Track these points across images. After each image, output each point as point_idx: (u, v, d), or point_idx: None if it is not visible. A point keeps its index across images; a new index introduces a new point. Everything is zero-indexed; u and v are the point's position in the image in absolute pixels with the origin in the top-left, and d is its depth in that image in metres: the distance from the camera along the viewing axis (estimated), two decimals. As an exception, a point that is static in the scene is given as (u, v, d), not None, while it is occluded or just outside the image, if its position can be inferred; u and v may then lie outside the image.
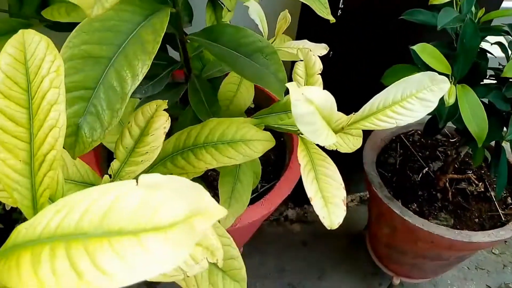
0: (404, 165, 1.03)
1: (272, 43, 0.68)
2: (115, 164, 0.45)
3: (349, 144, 0.60)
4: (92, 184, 0.48)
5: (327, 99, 0.38)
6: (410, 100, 0.46)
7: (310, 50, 0.51)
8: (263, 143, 0.51)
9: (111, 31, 0.44)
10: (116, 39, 0.44)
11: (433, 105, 0.46)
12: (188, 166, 0.49)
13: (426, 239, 0.88)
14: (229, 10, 0.78)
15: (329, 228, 0.44)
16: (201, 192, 0.21)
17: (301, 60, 0.51)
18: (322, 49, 0.67)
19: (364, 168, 0.98)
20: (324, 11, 0.55)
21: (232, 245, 0.45)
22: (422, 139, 1.07)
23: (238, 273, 0.44)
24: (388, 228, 0.98)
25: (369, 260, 1.17)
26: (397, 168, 1.03)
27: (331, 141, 0.42)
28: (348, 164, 1.10)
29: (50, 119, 0.34)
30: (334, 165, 0.47)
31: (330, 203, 0.45)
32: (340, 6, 0.87)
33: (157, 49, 0.43)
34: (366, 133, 1.08)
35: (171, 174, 0.52)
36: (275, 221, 1.30)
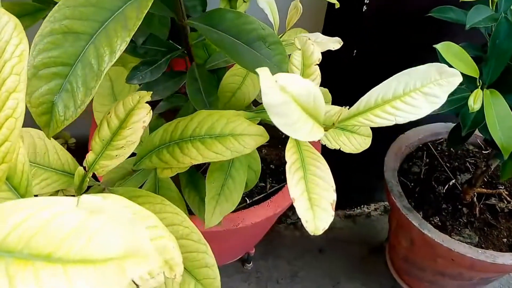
0: (430, 175, 0.96)
1: (282, 35, 0.64)
2: (89, 156, 0.42)
3: (355, 144, 0.56)
4: (72, 174, 0.46)
5: (309, 89, 0.34)
6: (414, 94, 0.41)
7: (309, 39, 0.47)
8: (255, 138, 0.48)
9: (95, 7, 0.42)
10: (99, 15, 0.42)
11: (440, 101, 0.41)
12: (172, 161, 0.46)
13: (445, 256, 0.81)
14: (244, 1, 0.75)
15: (312, 234, 0.40)
16: (141, 232, 0.19)
17: (299, 49, 0.47)
18: (335, 42, 0.62)
19: (385, 175, 0.92)
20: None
21: (208, 252, 0.42)
22: (451, 149, 1.00)
23: (211, 282, 0.41)
24: (406, 241, 0.92)
25: (387, 273, 1.11)
26: (421, 178, 0.96)
27: (317, 136, 0.38)
28: (373, 170, 1.05)
29: (7, 109, 0.32)
30: (327, 165, 0.43)
31: (317, 206, 0.40)
32: (365, 1, 0.82)
33: (138, 26, 0.40)
34: (390, 138, 1.02)
35: (156, 168, 0.50)
36: (293, 225, 1.25)
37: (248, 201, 0.80)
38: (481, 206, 0.89)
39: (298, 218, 1.24)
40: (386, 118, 0.40)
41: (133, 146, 0.42)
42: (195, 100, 0.55)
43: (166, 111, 0.71)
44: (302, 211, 0.40)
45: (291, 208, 1.31)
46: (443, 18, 0.70)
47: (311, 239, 1.23)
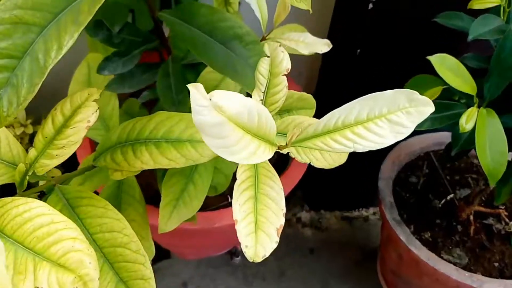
0: (428, 187, 0.92)
1: (268, 33, 0.61)
2: (31, 153, 0.41)
3: (329, 159, 0.52)
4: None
5: (251, 108, 0.31)
6: (379, 121, 0.37)
7: (280, 45, 0.43)
8: (214, 146, 0.45)
9: (51, -5, 0.39)
10: (54, 6, 0.39)
11: (406, 131, 0.37)
12: (123, 163, 0.44)
13: (431, 275, 0.78)
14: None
15: (250, 260, 0.37)
16: None
17: (268, 57, 0.44)
18: (324, 45, 0.58)
19: (378, 183, 0.88)
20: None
21: (146, 264, 0.40)
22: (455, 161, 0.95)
23: None
24: (395, 254, 0.88)
25: (376, 282, 1.07)
26: (418, 189, 0.91)
27: (264, 157, 0.35)
28: (374, 173, 1.00)
29: None
30: (281, 186, 0.40)
31: (262, 231, 0.38)
32: (371, -1, 0.77)
33: (88, 20, 0.38)
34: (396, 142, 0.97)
35: (108, 169, 0.48)
36: (286, 221, 1.23)
37: (230, 200, 0.78)
38: (477, 225, 0.84)
39: (293, 216, 1.20)
40: (344, 145, 0.36)
41: (74, 146, 0.40)
42: (164, 96, 0.53)
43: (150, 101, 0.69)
44: (244, 236, 0.37)
45: (286, 203, 1.28)
46: (448, 25, 0.65)
47: (304, 238, 1.20)
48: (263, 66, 0.43)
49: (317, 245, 1.19)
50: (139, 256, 0.40)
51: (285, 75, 0.43)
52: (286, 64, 0.43)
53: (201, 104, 0.29)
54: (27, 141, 0.77)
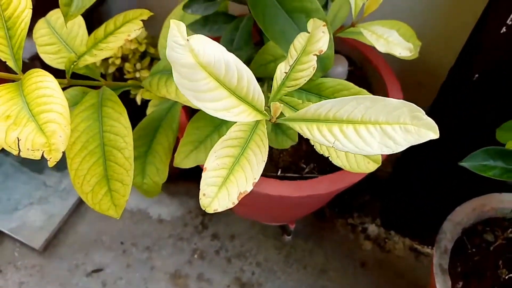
0: (501, 252, 0.79)
1: (356, 21, 0.58)
2: (81, 48, 0.47)
3: (351, 161, 0.49)
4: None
5: (229, 63, 0.32)
6: (371, 127, 0.34)
7: (324, 25, 0.41)
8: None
9: None
10: None
11: (395, 148, 0.34)
12: (154, 87, 0.48)
13: None
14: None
15: (202, 208, 0.38)
16: None
17: (308, 33, 0.42)
18: (404, 48, 0.54)
19: (443, 223, 0.79)
20: None
21: (129, 172, 0.45)
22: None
23: (119, 198, 0.45)
24: (431, 302, 0.79)
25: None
26: (488, 250, 0.80)
27: (242, 119, 0.36)
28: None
29: None
30: (265, 158, 0.40)
31: (226, 188, 0.38)
32: (507, 22, 0.67)
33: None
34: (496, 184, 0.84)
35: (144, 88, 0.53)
36: (351, 226, 1.18)
37: (278, 174, 0.79)
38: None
39: (361, 223, 1.16)
40: (326, 138, 0.35)
41: (108, 53, 0.45)
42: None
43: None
44: (207, 185, 0.38)
45: (359, 210, 1.23)
46: None
47: (361, 249, 1.15)
48: (300, 40, 0.42)
49: (371, 261, 1.13)
50: (127, 164, 0.44)
51: (316, 55, 0.41)
52: (321, 45, 0.41)
53: (177, 42, 0.31)
54: (137, 57, 0.88)
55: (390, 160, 1.12)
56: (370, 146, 0.34)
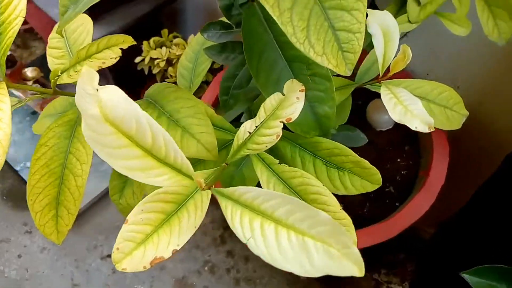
0: None
1: (383, 78, 0.51)
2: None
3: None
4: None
5: (140, 119, 0.28)
6: (293, 235, 0.29)
7: (302, 90, 0.35)
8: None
9: None
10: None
11: (311, 272, 0.28)
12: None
13: None
14: (410, 22, 0.60)
15: (113, 263, 0.35)
16: None
17: (283, 95, 0.37)
18: (422, 123, 0.46)
19: None
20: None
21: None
22: None
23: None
24: None
25: None
26: None
27: (163, 183, 0.32)
28: None
29: None
30: (198, 222, 0.35)
31: (149, 248, 0.35)
32: None
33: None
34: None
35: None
36: (375, 282, 1.08)
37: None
38: None
39: (387, 282, 1.06)
40: (243, 231, 0.30)
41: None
42: (223, 84, 0.51)
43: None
44: (123, 239, 0.35)
45: (389, 267, 1.13)
46: None
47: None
48: (272, 101, 0.37)
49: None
50: (76, 193, 0.43)
51: (282, 122, 0.36)
52: (292, 112, 0.36)
53: (85, 89, 0.28)
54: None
55: (437, 217, 1.00)
56: (284, 257, 0.28)
